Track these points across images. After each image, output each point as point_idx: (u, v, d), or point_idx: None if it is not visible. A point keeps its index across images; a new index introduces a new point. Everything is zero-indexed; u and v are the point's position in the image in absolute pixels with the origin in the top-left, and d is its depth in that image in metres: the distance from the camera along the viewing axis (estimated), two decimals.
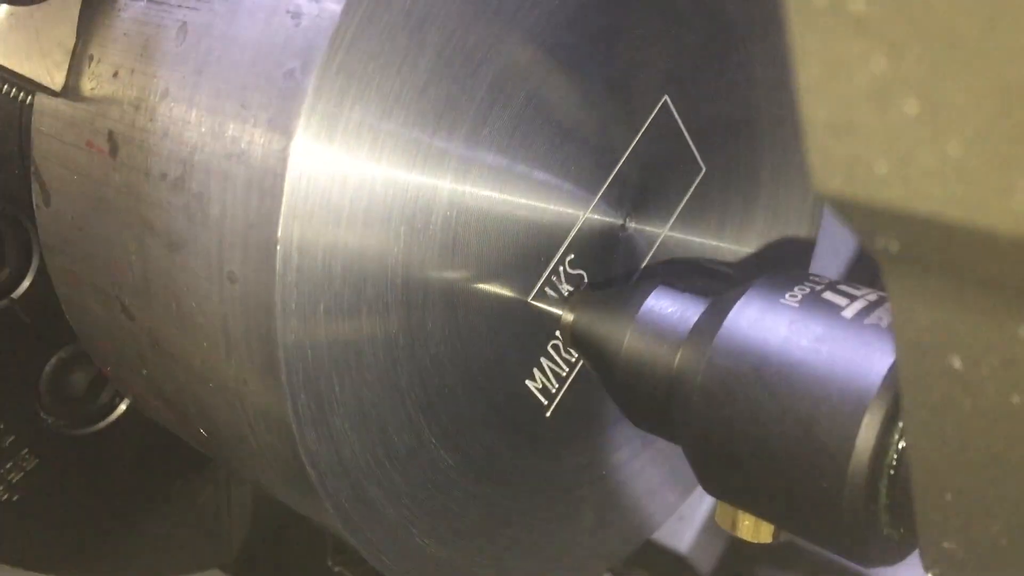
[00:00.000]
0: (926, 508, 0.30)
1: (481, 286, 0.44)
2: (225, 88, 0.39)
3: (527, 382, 0.48)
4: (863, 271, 1.25)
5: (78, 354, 0.63)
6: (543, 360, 0.48)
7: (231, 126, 0.39)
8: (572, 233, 0.48)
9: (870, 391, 0.36)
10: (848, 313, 0.39)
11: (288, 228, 0.37)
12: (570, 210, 0.47)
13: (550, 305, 0.48)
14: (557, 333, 0.49)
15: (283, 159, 0.37)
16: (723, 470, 0.42)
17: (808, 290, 0.41)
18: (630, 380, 0.46)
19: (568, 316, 0.48)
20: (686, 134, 0.52)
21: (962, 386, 0.26)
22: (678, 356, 0.44)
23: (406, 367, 0.42)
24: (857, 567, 1.17)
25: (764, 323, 0.40)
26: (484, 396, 0.46)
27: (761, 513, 0.43)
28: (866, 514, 0.37)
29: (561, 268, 0.48)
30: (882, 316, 0.39)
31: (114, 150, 0.44)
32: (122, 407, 0.65)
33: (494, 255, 0.44)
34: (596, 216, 0.49)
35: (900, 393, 0.34)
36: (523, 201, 0.45)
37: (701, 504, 1.23)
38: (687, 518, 1.25)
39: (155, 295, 0.44)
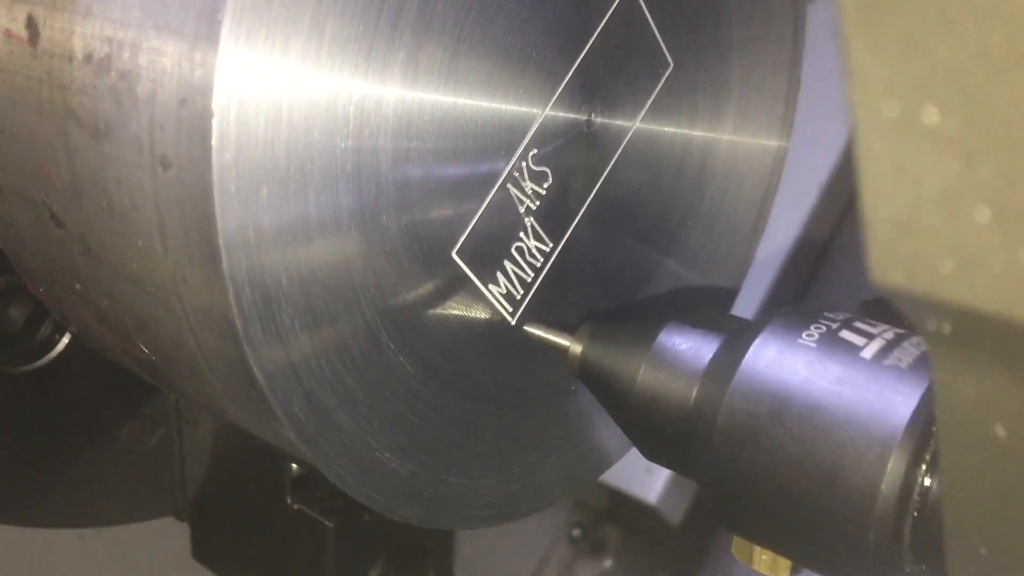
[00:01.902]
0: (959, 562, 0.31)
1: (439, 178, 0.41)
2: None
3: (490, 286, 0.45)
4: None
5: (13, 287, 0.59)
6: (507, 264, 0.46)
7: None
8: (533, 127, 0.45)
9: (895, 436, 0.36)
10: (867, 354, 0.39)
11: (224, 99, 0.34)
12: (531, 104, 0.44)
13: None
14: (521, 234, 0.46)
15: (216, 24, 0.33)
16: (744, 509, 0.41)
17: (825, 328, 0.41)
18: (645, 416, 0.45)
19: (576, 348, 0.47)
20: (653, 25, 0.49)
21: (1005, 453, 0.26)
22: (694, 393, 0.43)
23: (359, 264, 0.39)
24: None
25: (783, 364, 0.40)
26: (444, 299, 0.43)
27: (782, 551, 0.43)
28: (891, 555, 0.37)
29: (524, 164, 0.45)
30: (901, 357, 0.39)
31: (34, 37, 0.40)
32: (63, 343, 0.61)
33: (452, 145, 0.41)
34: (559, 111, 0.46)
35: (934, 448, 0.36)
36: (480, 90, 0.42)
37: None
38: (655, 469, 1.24)
39: (84, 195, 0.40)
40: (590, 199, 0.49)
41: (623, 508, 1.28)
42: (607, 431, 0.56)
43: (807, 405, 0.38)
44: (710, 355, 0.43)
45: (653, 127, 0.51)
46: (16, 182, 0.44)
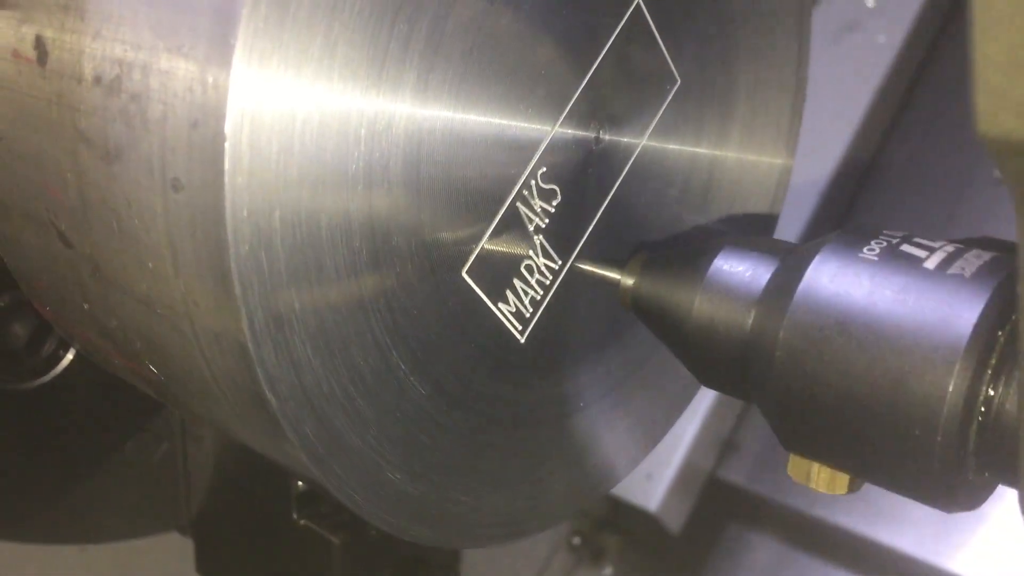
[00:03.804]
0: None
1: (449, 198, 0.41)
2: None
3: (500, 305, 0.45)
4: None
5: (17, 303, 0.59)
6: (516, 282, 0.46)
7: (170, 17, 0.35)
8: (542, 146, 0.45)
9: (961, 340, 0.36)
10: (930, 264, 0.39)
11: (237, 123, 0.33)
12: (540, 122, 0.44)
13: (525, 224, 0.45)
14: (531, 252, 0.46)
15: (229, 48, 0.33)
16: (806, 425, 0.42)
17: (885, 243, 0.41)
18: (702, 343, 0.45)
19: (628, 281, 0.48)
20: (660, 42, 0.49)
21: None
22: (752, 315, 0.43)
23: (370, 285, 0.39)
24: (824, 522, 1.17)
25: (845, 277, 0.40)
26: (454, 318, 0.43)
27: (844, 465, 0.43)
28: (956, 460, 0.37)
29: (533, 182, 0.45)
30: (964, 267, 0.39)
31: (42, 57, 0.40)
32: (67, 359, 0.61)
33: (462, 165, 0.41)
34: (568, 128, 0.46)
35: (1009, 339, 0.36)
36: (490, 109, 0.42)
37: (669, 463, 1.22)
38: (655, 477, 1.24)
39: (93, 215, 0.40)
40: (598, 216, 0.49)
41: (623, 516, 1.28)
42: (615, 447, 0.56)
43: (872, 315, 0.39)
44: (768, 276, 0.44)
45: (660, 144, 0.51)
46: (24, 202, 0.44)
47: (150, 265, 0.38)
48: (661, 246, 0.50)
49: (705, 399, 1.21)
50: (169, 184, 0.36)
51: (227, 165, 0.34)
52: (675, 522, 1.26)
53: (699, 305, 0.45)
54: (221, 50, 0.34)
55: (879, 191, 1.25)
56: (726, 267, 0.45)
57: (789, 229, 1.18)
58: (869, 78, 1.25)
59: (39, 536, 0.66)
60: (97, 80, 0.38)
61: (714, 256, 0.46)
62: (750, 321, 0.43)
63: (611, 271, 0.48)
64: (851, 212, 1.24)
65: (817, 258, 0.41)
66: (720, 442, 1.26)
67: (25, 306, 0.59)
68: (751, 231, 0.58)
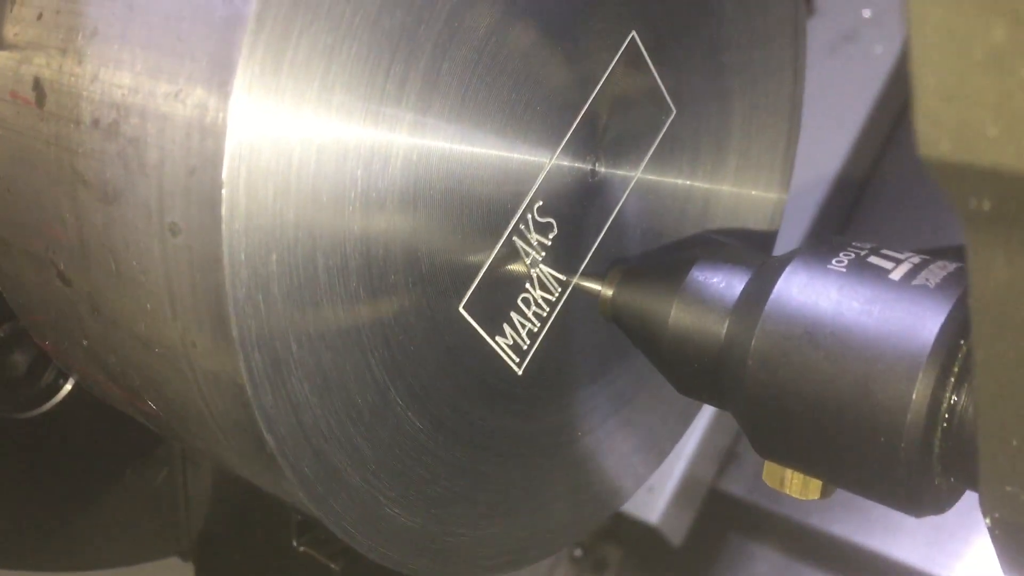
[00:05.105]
0: (991, 454, 0.31)
1: (446, 235, 0.41)
2: (159, 22, 0.36)
3: (497, 338, 0.45)
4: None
5: (17, 333, 0.59)
6: (513, 315, 0.46)
7: (167, 62, 0.36)
8: (539, 180, 0.45)
9: (924, 349, 0.38)
10: (895, 276, 0.40)
11: (234, 169, 0.34)
12: (536, 156, 0.45)
13: (520, 254, 0.45)
14: (527, 285, 0.46)
15: (225, 94, 0.33)
16: (777, 431, 0.43)
17: (853, 255, 0.42)
18: (678, 351, 0.46)
19: (608, 292, 0.49)
20: (655, 73, 0.49)
21: None
22: (726, 325, 0.44)
23: (368, 323, 0.39)
24: (824, 532, 1.17)
25: (814, 288, 0.41)
26: (451, 353, 0.43)
27: (815, 471, 0.44)
28: (921, 466, 0.38)
29: (529, 216, 0.45)
30: (928, 277, 0.40)
31: (41, 99, 0.40)
32: (67, 388, 0.61)
33: (459, 202, 0.42)
34: (564, 162, 0.46)
35: (971, 347, 0.36)
36: (486, 145, 0.42)
37: (671, 476, 1.22)
38: (657, 489, 1.24)
39: (92, 256, 0.40)
40: (594, 248, 0.49)
41: (624, 528, 1.28)
42: (621, 468, 0.56)
43: (839, 325, 0.40)
44: (741, 286, 0.45)
45: (656, 177, 0.52)
46: (23, 240, 0.44)
47: (148, 306, 0.39)
48: (640, 259, 0.51)
49: (706, 411, 1.21)
50: (167, 228, 0.36)
51: (224, 211, 0.34)
52: (676, 534, 1.26)
53: (675, 315, 0.46)
54: (218, 96, 0.34)
55: (877, 202, 1.25)
56: (701, 278, 0.46)
57: (786, 241, 1.18)
58: (866, 89, 1.25)
59: (39, 564, 0.66)
60: (95, 123, 0.38)
61: (690, 267, 0.47)
62: (724, 330, 0.45)
63: (591, 282, 0.49)
64: (849, 223, 1.24)
65: (787, 269, 0.42)
66: (721, 454, 1.26)
67: (24, 335, 0.59)
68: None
